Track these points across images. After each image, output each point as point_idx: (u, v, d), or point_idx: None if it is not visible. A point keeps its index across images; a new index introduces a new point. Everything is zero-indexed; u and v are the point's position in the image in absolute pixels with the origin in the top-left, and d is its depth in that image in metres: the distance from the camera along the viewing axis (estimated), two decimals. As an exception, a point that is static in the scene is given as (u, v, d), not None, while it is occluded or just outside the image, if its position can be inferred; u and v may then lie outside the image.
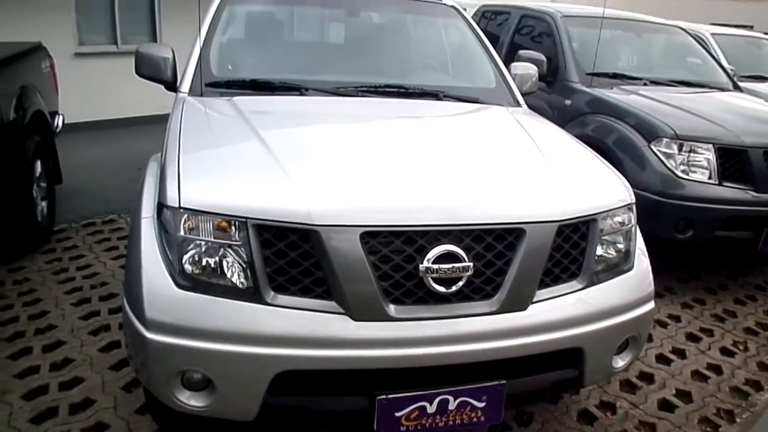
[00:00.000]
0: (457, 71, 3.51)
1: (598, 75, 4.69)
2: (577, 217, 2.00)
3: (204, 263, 1.80)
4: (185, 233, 1.80)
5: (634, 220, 2.23)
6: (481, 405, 1.89)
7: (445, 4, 3.61)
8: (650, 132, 3.92)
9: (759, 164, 3.76)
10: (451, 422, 1.89)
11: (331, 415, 1.90)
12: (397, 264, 1.79)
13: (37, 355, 2.86)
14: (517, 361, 1.94)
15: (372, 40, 3.42)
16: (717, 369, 3.16)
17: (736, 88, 5.24)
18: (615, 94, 4.48)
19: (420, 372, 1.86)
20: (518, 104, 3.11)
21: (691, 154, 3.78)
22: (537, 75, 3.32)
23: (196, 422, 2.08)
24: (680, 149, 3.79)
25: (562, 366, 2.05)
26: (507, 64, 3.36)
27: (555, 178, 2.15)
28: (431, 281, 1.80)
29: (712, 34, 7.23)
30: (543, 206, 1.97)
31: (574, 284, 2.03)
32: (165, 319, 1.77)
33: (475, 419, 1.91)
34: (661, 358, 3.21)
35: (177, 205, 1.80)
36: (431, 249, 1.79)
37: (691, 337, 3.47)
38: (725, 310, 3.85)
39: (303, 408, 1.85)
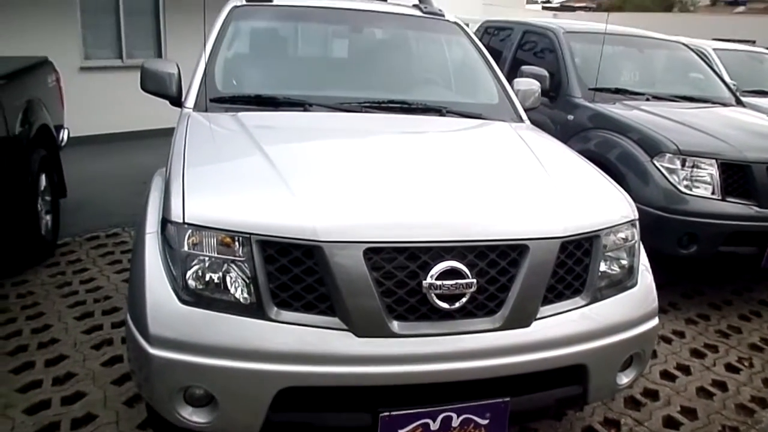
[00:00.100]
0: (460, 87, 3.53)
1: (601, 90, 4.70)
2: (580, 234, 2.00)
3: (207, 279, 1.80)
4: (189, 248, 1.80)
5: (637, 236, 2.23)
6: (485, 422, 1.88)
7: (448, 20, 3.63)
8: (653, 147, 3.92)
9: (762, 179, 3.75)
10: (454, 439, 1.87)
11: (334, 432, 1.89)
12: (400, 280, 1.79)
13: (39, 369, 2.85)
14: (521, 378, 1.93)
15: (375, 56, 3.45)
16: (722, 385, 3.14)
17: (739, 103, 5.25)
18: (617, 110, 4.48)
19: (423, 389, 1.85)
20: (521, 120, 3.12)
21: (694, 170, 3.78)
22: (540, 90, 3.34)
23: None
24: (683, 164, 3.80)
25: (566, 383, 2.04)
26: (510, 80, 3.38)
27: (558, 194, 2.15)
28: (435, 297, 1.80)
29: (715, 49, 7.27)
30: (546, 222, 1.97)
31: (578, 300, 2.03)
32: (168, 334, 1.77)
33: (478, 436, 1.90)
34: (666, 375, 3.19)
35: (181, 221, 1.80)
36: (435, 265, 1.79)
37: (696, 354, 3.45)
38: (730, 326, 3.82)
39: (305, 424, 1.84)
